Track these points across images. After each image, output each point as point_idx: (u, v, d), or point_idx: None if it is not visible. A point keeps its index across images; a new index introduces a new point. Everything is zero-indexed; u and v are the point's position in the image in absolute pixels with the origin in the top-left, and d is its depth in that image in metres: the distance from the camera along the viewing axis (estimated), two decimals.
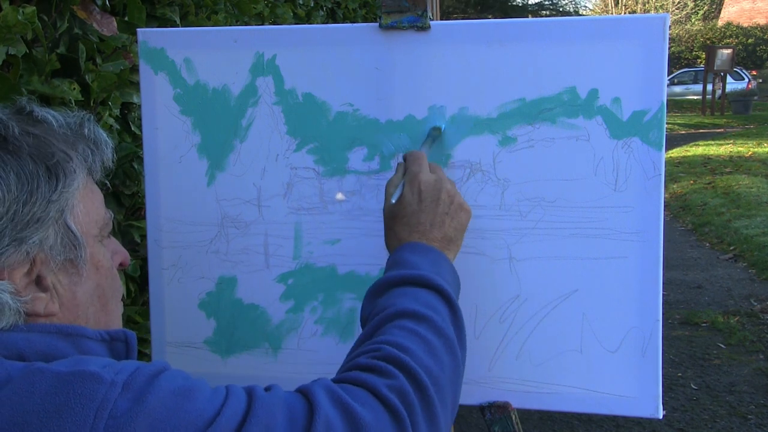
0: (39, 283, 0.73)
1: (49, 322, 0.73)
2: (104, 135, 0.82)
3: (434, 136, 1.17)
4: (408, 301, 0.88)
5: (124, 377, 0.64)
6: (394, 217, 1.03)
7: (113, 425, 0.61)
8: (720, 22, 29.71)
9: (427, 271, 0.93)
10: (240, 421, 0.66)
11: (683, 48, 28.18)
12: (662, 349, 1.17)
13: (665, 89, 1.13)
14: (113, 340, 0.77)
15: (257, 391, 0.72)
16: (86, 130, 0.80)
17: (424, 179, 1.03)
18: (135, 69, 1.66)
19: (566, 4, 18.06)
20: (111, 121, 1.64)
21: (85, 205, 0.78)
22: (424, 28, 1.17)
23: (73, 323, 0.76)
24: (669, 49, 1.17)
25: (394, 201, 1.03)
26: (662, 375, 1.17)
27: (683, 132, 14.00)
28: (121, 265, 0.88)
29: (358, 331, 1.25)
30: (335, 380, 0.78)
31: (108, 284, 0.82)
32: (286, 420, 0.69)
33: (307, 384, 0.76)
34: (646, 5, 31.61)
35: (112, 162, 0.84)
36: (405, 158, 1.09)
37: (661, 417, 1.18)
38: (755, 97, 19.23)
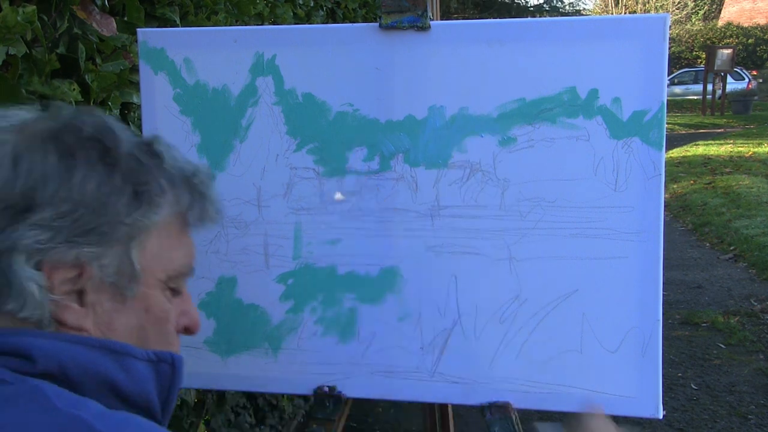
0: (80, 295, 0.71)
1: (79, 334, 0.71)
2: (215, 192, 0.80)
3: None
4: None
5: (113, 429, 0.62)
6: None
7: None
8: (720, 22, 29.69)
9: None
10: None
11: (683, 48, 28.16)
12: (662, 349, 1.17)
13: (665, 89, 1.13)
14: (159, 361, 0.74)
15: None
16: (196, 180, 0.78)
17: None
18: (135, 69, 1.65)
19: (566, 5, 18.03)
20: None
21: (159, 245, 0.75)
22: (424, 28, 1.17)
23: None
24: (669, 49, 1.17)
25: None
26: (662, 375, 1.17)
27: (683, 132, 13.99)
28: (186, 329, 0.83)
29: (358, 331, 1.26)
30: None
31: (154, 333, 0.77)
32: None
33: None
34: (646, 5, 31.59)
35: (216, 216, 0.81)
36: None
37: (661, 417, 1.18)
38: (755, 97, 19.21)
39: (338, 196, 1.23)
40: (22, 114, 0.72)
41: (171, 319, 0.79)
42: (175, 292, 0.79)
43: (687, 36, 28.66)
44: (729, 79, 18.13)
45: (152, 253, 0.74)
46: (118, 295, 0.73)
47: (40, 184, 0.67)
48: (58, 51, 1.48)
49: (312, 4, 3.38)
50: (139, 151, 0.73)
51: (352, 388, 1.26)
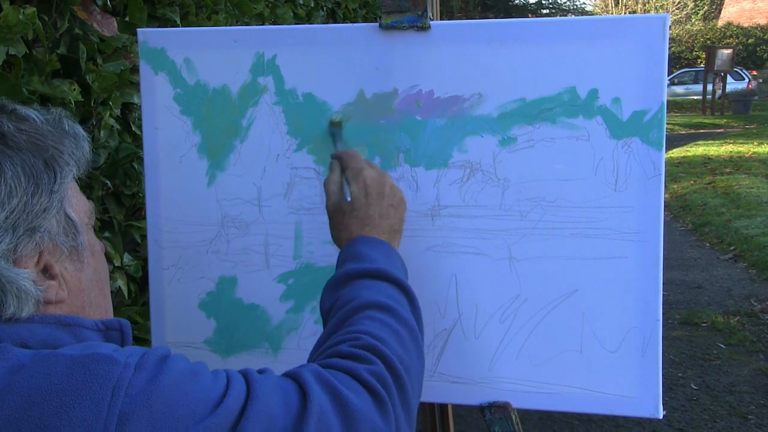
0: (47, 271, 0.76)
1: (59, 310, 0.76)
2: (81, 129, 0.85)
3: (335, 132, 1.19)
4: (372, 294, 0.92)
5: (135, 359, 0.67)
6: (342, 212, 1.07)
7: (129, 403, 0.63)
8: (720, 22, 29.67)
9: (384, 264, 0.97)
10: (243, 403, 0.69)
11: (683, 48, 28.14)
12: (662, 349, 1.17)
13: (665, 89, 1.13)
14: (108, 329, 0.80)
15: (253, 374, 0.74)
16: (66, 126, 0.82)
17: (368, 174, 1.07)
18: (135, 69, 1.66)
19: (565, 2, 18.01)
20: (111, 121, 1.64)
21: (76, 196, 0.82)
22: (424, 28, 1.17)
23: (81, 308, 0.80)
24: (669, 49, 1.17)
25: (349, 199, 1.06)
26: (662, 375, 1.17)
27: (683, 132, 13.99)
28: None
29: None
30: (320, 365, 0.81)
31: (102, 268, 0.86)
32: (282, 404, 0.71)
33: (295, 369, 0.78)
34: (646, 5, 31.58)
35: (90, 154, 0.86)
36: (337, 157, 1.12)
37: (661, 417, 1.18)
38: (755, 97, 19.19)
39: None
40: None
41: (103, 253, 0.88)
42: (92, 226, 0.87)
43: (687, 36, 28.65)
44: (729, 79, 18.12)
45: (76, 201, 0.81)
46: (75, 254, 0.79)
47: None
48: (58, 51, 1.48)
49: (312, 5, 3.38)
50: (15, 122, 0.77)
51: None
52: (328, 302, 0.97)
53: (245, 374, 0.74)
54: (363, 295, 0.92)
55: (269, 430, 0.69)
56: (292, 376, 0.77)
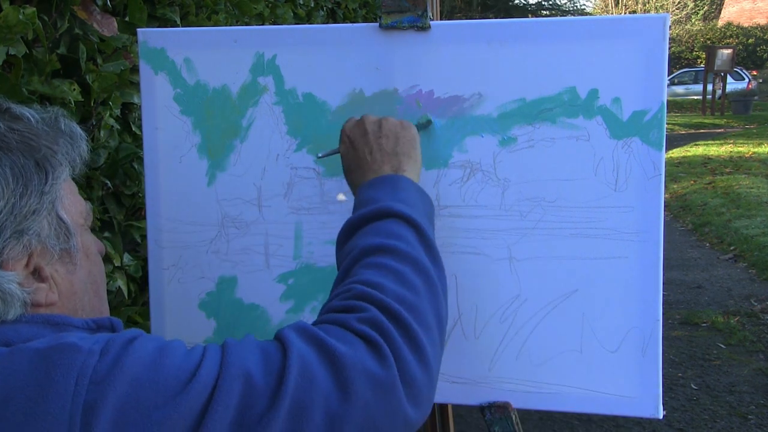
0: (36, 273, 0.75)
1: (50, 311, 0.75)
2: (78, 128, 0.83)
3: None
4: (369, 238, 0.88)
5: (101, 345, 0.66)
6: (345, 174, 1.06)
7: (94, 390, 0.62)
8: (720, 22, 29.67)
9: (384, 201, 0.92)
10: (216, 373, 0.67)
11: (683, 48, 28.14)
12: (662, 349, 1.17)
13: (665, 89, 1.13)
14: (99, 327, 0.78)
15: (229, 340, 0.73)
16: (62, 125, 0.81)
17: (346, 126, 1.07)
18: (135, 69, 1.66)
19: (565, 3, 18.01)
20: (111, 121, 1.64)
21: (70, 197, 0.80)
22: (424, 28, 1.17)
23: (73, 311, 0.78)
24: (669, 49, 1.17)
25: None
26: (662, 375, 1.17)
27: (683, 132, 13.99)
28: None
29: None
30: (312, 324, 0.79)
31: (97, 271, 0.85)
32: (260, 361, 0.70)
33: (280, 329, 0.77)
34: (646, 5, 31.57)
35: (88, 154, 0.85)
36: None
37: (661, 417, 1.18)
38: (755, 97, 19.19)
39: (341, 197, 1.23)
40: None
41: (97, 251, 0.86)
42: (88, 227, 0.85)
43: (687, 36, 28.65)
44: (729, 79, 18.12)
45: (70, 202, 0.79)
46: (67, 256, 0.78)
47: None
48: (58, 51, 1.48)
49: (312, 5, 3.38)
50: (8, 122, 0.75)
51: None
52: (338, 261, 0.94)
53: (223, 344, 0.72)
54: (359, 244, 0.88)
55: (247, 393, 0.66)
56: (276, 335, 0.75)
